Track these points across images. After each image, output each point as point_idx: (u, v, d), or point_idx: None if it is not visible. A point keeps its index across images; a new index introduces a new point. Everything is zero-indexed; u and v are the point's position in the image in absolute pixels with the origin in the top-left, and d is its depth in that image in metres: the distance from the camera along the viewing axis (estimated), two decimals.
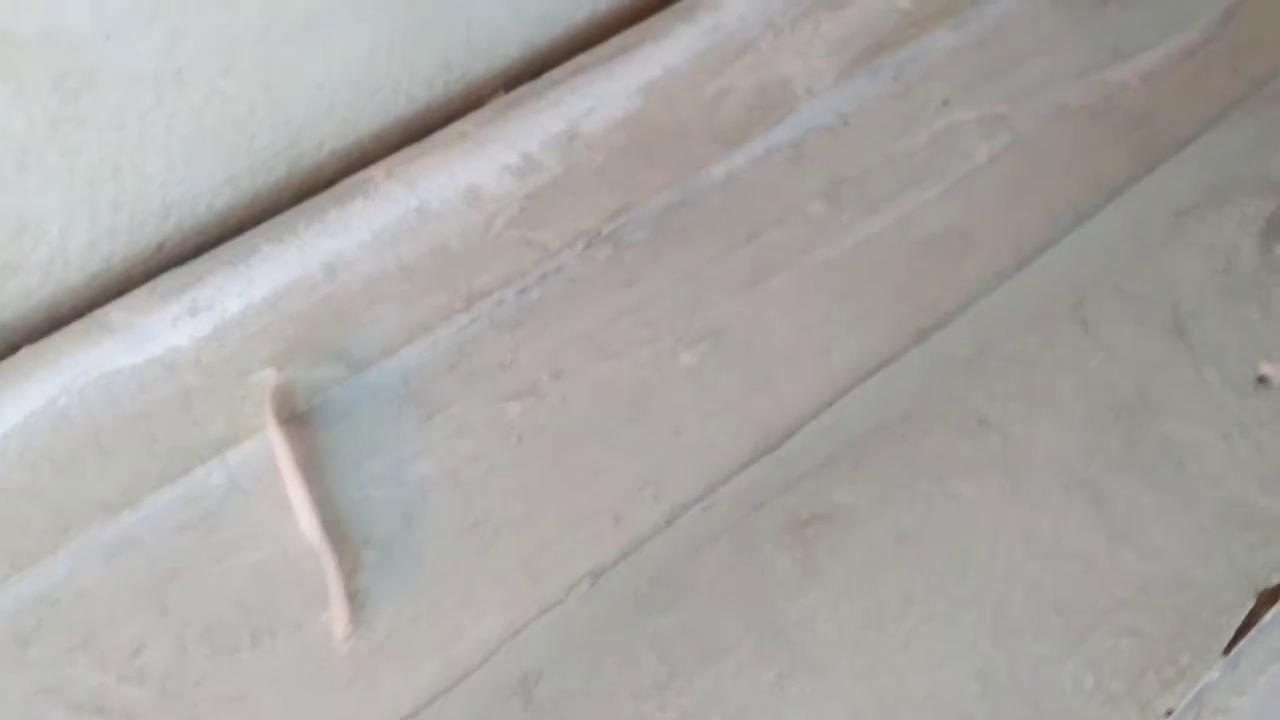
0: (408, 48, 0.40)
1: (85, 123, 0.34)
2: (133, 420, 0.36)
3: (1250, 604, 0.36)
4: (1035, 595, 0.36)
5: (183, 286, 0.38)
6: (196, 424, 0.36)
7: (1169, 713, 0.35)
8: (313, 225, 0.40)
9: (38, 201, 0.35)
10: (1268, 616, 0.35)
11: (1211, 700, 0.36)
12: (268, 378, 0.37)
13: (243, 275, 0.39)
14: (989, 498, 0.38)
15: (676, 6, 0.45)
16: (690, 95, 0.44)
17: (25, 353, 0.36)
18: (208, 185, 0.39)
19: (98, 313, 0.37)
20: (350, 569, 0.35)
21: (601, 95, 0.43)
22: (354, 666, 0.33)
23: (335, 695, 0.32)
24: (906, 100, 0.46)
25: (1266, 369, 0.38)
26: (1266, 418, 0.38)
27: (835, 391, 0.39)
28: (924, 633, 0.37)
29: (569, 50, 0.45)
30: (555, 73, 0.44)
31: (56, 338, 0.37)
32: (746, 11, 0.45)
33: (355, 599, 0.34)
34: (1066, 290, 0.42)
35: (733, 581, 0.37)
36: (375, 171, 0.41)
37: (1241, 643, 0.35)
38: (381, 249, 0.40)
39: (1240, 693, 0.35)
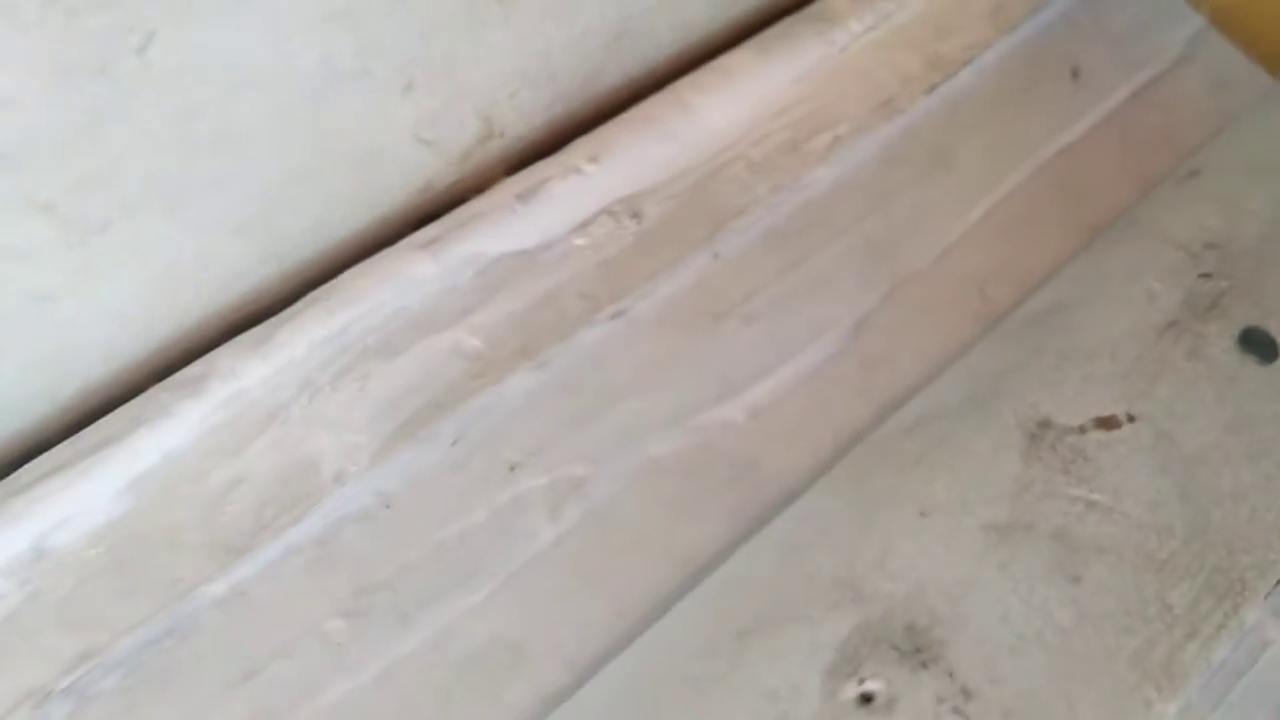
0: None
1: None
2: None
3: None
4: None
5: None
6: None
7: None
8: None
9: None
10: None
11: None
12: None
13: None
14: None
15: (184, 375, 0.39)
16: (192, 490, 0.38)
17: None
18: None
19: None
20: None
21: (80, 499, 0.38)
22: None
23: None
24: (466, 469, 0.41)
25: None
26: None
27: None
28: None
29: (45, 441, 0.39)
30: (22, 474, 0.38)
31: None
32: (273, 374, 0.40)
33: None
34: None
35: None
36: None
37: None
38: None
39: None
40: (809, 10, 0.54)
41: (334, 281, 0.43)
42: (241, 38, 0.34)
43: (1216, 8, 0.41)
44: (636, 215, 0.47)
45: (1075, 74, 0.56)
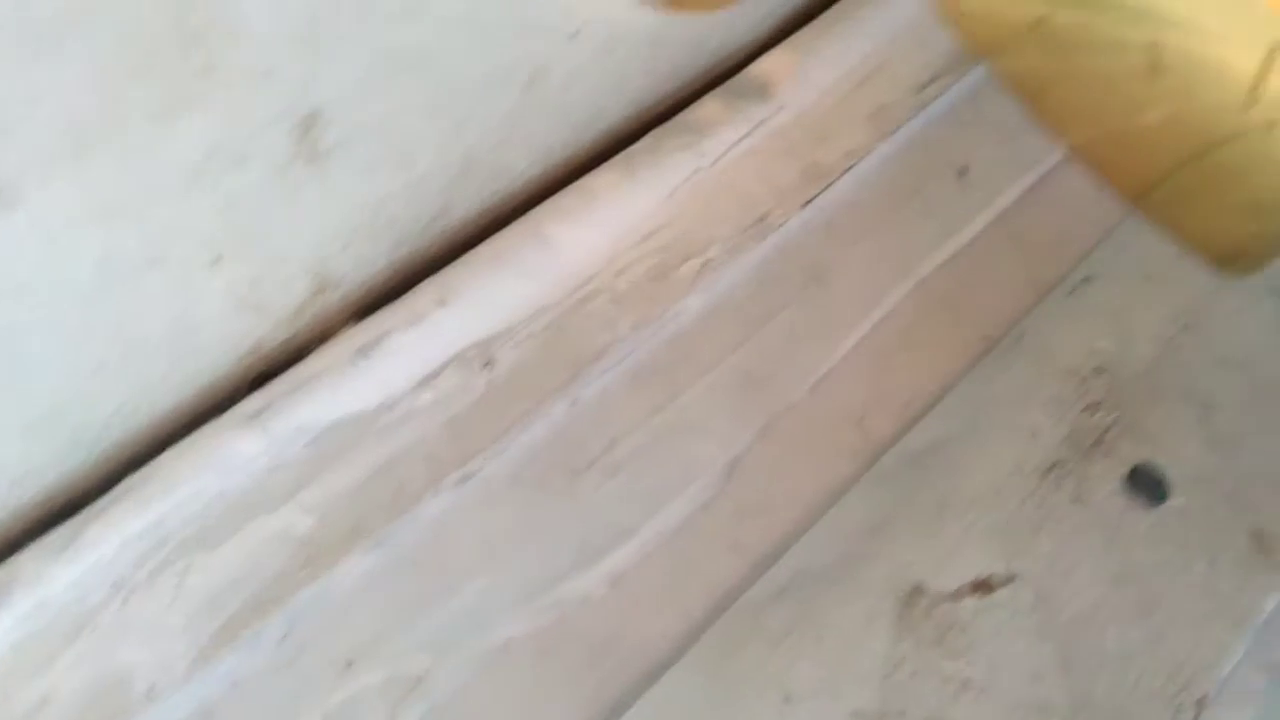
0: None
1: None
2: None
3: None
4: None
5: None
6: None
7: None
8: None
9: None
10: None
11: None
12: None
13: None
14: None
15: None
16: None
17: None
18: None
19: None
20: None
21: None
22: None
23: None
24: (296, 670, 0.38)
25: None
26: None
27: None
28: None
29: None
30: None
31: None
32: (82, 577, 0.37)
33: None
34: None
35: None
36: None
37: None
38: None
39: None
40: (679, 120, 0.51)
41: (149, 467, 0.40)
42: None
43: (1074, 146, 0.39)
44: (489, 363, 0.45)
45: (962, 173, 0.53)
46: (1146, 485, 0.43)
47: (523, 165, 0.48)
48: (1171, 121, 0.35)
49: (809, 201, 0.50)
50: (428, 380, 0.44)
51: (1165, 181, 0.36)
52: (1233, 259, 0.35)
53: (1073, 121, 0.38)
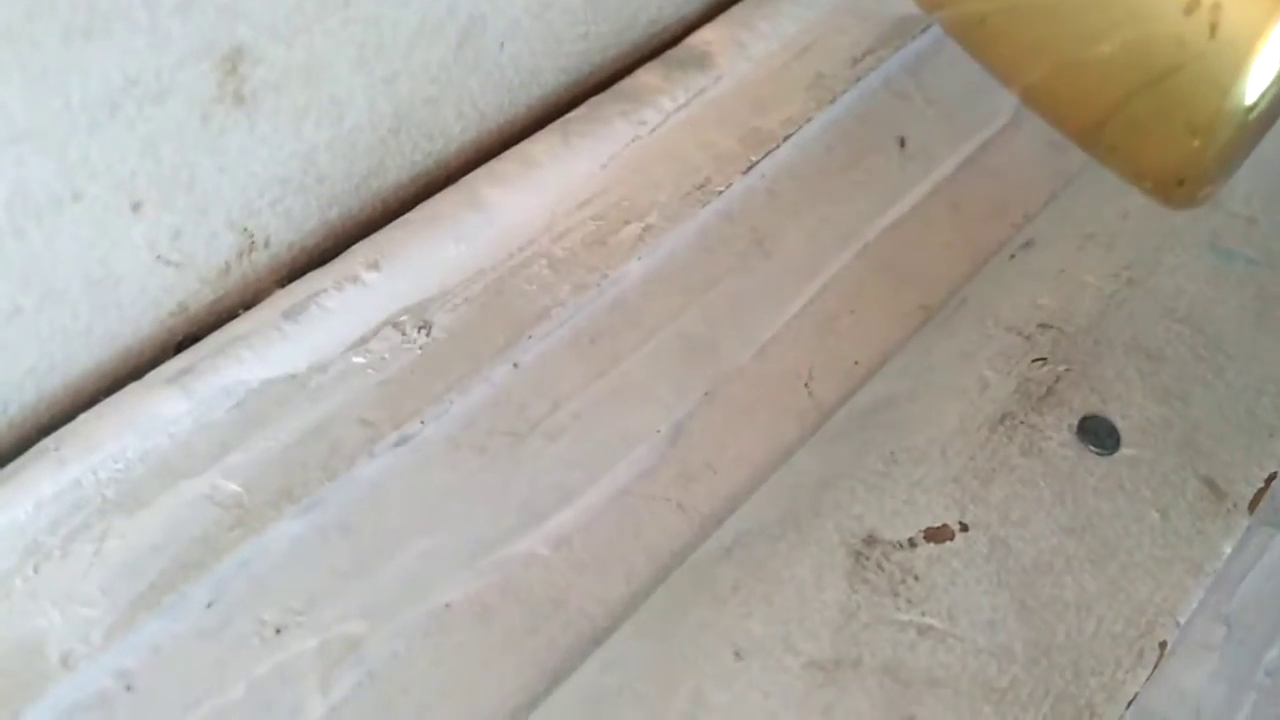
0: None
1: None
2: None
3: None
4: None
5: None
6: None
7: None
8: None
9: None
10: None
11: None
12: None
13: None
14: None
15: None
16: None
17: None
18: None
19: None
20: None
21: None
22: None
23: None
24: (222, 637, 0.36)
25: None
26: None
27: None
28: None
29: None
30: None
31: None
32: None
33: None
34: None
35: None
36: None
37: None
38: None
39: None
40: (616, 89, 0.51)
41: (66, 427, 0.38)
42: None
43: (1026, 87, 0.38)
44: (425, 326, 0.43)
45: (902, 144, 0.53)
46: (1097, 435, 0.43)
47: (457, 128, 0.47)
48: (1121, 51, 0.35)
49: (750, 168, 0.50)
50: (360, 343, 0.42)
51: (1116, 114, 0.36)
52: (1178, 185, 0.35)
53: (1024, 62, 0.38)
